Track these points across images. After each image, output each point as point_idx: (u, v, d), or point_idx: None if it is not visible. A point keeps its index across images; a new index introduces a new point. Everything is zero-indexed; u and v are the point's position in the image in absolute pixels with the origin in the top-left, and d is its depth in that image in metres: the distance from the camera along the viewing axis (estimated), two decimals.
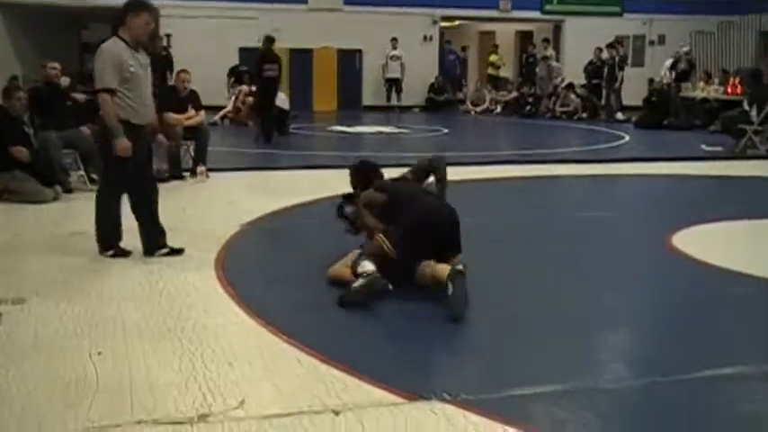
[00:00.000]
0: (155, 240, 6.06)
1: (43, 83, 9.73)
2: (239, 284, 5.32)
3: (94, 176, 9.03)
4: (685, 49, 20.47)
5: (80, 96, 9.91)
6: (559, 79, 21.29)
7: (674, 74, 19.62)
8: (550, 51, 22.18)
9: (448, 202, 5.60)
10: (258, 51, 14.33)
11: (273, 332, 4.39)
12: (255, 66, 14.14)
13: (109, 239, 6.03)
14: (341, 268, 5.33)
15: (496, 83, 23.30)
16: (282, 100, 15.10)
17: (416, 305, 4.96)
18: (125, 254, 6.00)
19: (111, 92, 5.66)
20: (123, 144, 5.67)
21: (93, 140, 8.94)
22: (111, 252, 5.98)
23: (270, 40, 14.21)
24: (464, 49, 24.79)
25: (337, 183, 6.91)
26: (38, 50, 18.42)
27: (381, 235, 5.27)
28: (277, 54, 14.29)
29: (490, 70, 23.81)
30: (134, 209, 6.08)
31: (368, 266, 5.06)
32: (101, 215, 6.03)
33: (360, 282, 4.96)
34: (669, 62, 20.24)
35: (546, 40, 22.70)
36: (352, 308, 4.84)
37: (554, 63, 21.65)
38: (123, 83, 5.69)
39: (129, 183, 5.95)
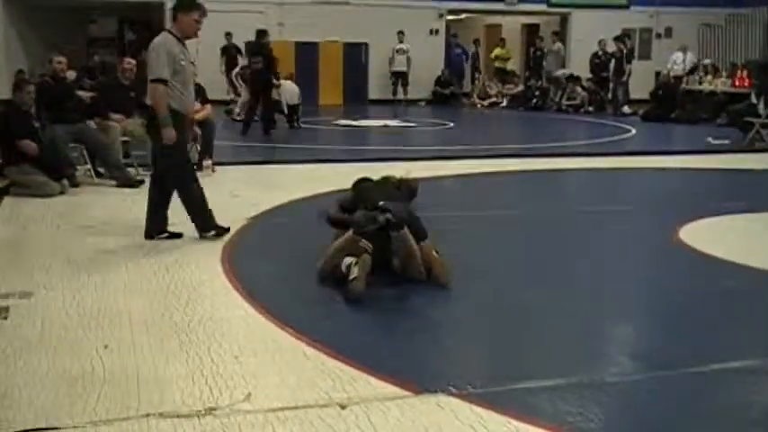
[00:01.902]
0: (162, 224, 6.37)
1: (50, 77, 9.73)
2: (246, 278, 5.33)
3: (101, 170, 9.06)
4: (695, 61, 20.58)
5: (86, 95, 9.88)
6: (561, 72, 21.30)
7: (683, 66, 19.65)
8: (558, 45, 22.17)
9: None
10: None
11: (280, 326, 4.40)
12: (247, 60, 14.27)
13: (160, 224, 6.31)
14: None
15: (504, 76, 23.24)
16: (290, 94, 15.12)
17: (422, 300, 4.96)
18: (176, 235, 6.30)
19: (164, 82, 5.97)
20: (170, 133, 5.98)
21: (99, 135, 8.98)
22: (165, 234, 6.28)
23: (259, 34, 14.28)
24: (476, 41, 24.66)
25: (343, 176, 6.90)
26: (44, 45, 18.44)
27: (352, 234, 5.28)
28: (265, 47, 14.31)
29: (497, 63, 23.73)
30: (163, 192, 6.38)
31: (348, 259, 5.08)
32: (154, 201, 6.30)
33: (354, 271, 4.94)
34: (678, 55, 20.18)
35: (555, 33, 22.67)
36: (359, 298, 4.83)
37: (557, 50, 21.72)
38: (174, 75, 6.01)
39: (178, 168, 6.26)
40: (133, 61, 9.78)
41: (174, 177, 6.27)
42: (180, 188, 6.28)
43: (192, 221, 6.35)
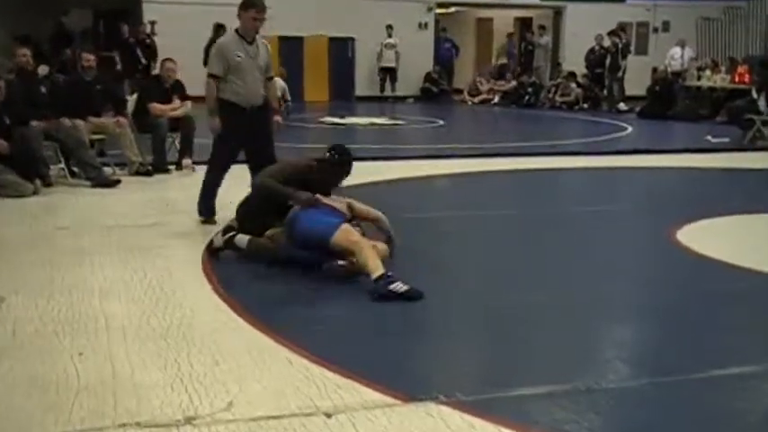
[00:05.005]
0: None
1: (16, 71, 9.60)
2: (227, 281, 5.32)
3: (75, 170, 9.01)
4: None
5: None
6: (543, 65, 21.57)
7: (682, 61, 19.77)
8: (545, 39, 22.23)
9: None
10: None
11: (263, 331, 4.39)
12: (204, 56, 14.15)
13: (207, 209, 6.97)
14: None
15: (499, 72, 23.20)
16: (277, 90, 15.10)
17: (410, 304, 4.96)
18: (211, 222, 6.87)
19: (214, 77, 6.69)
20: (213, 123, 6.74)
21: (73, 132, 8.90)
22: (202, 219, 6.95)
23: (217, 28, 14.23)
24: (510, 36, 24.39)
25: None
26: (12, 38, 18.29)
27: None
28: None
29: (502, 59, 23.64)
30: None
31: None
32: (203, 186, 7.00)
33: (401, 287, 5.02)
34: (675, 50, 20.27)
35: (542, 27, 22.69)
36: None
37: (544, 45, 21.87)
38: (230, 71, 6.67)
39: (230, 158, 6.94)
40: (92, 57, 9.64)
41: (211, 157, 7.04)
42: (209, 169, 7.04)
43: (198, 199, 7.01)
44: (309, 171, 5.90)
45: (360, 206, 5.91)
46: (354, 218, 5.73)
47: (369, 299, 4.96)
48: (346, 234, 5.29)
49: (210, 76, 6.75)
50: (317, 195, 5.66)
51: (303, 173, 5.88)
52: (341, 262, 5.43)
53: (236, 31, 6.86)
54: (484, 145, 13.23)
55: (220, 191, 6.98)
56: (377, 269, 5.05)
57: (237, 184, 6.62)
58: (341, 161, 5.90)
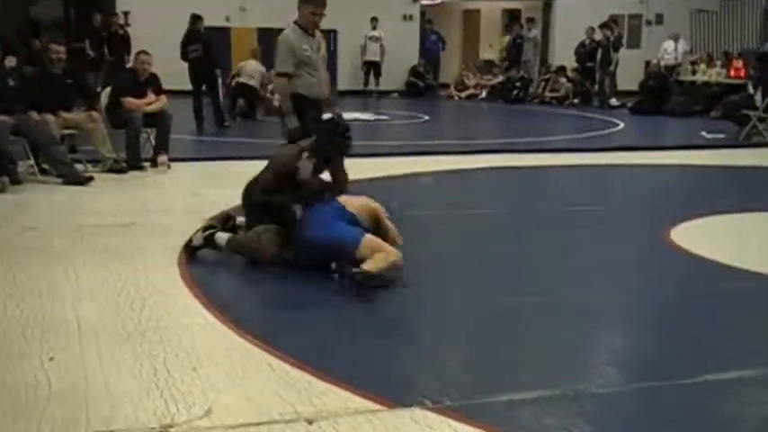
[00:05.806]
0: None
1: None
2: (205, 283, 5.31)
3: (45, 167, 8.96)
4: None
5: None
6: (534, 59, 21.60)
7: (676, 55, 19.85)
8: (534, 32, 22.26)
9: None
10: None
11: (242, 335, 4.38)
12: (181, 49, 14.21)
13: None
14: None
15: (492, 66, 23.19)
16: (252, 75, 15.17)
17: (395, 307, 4.97)
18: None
19: (286, 75, 6.78)
20: (293, 123, 6.74)
21: (43, 127, 8.84)
22: None
23: (194, 19, 14.28)
24: (509, 28, 24.17)
25: None
26: None
27: None
28: (202, 33, 14.33)
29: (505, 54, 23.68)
30: None
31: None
32: None
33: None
34: (669, 44, 20.34)
35: (530, 20, 22.72)
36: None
37: (533, 38, 21.92)
38: (300, 65, 6.80)
39: None
40: (62, 48, 9.57)
41: None
42: None
43: None
44: (299, 157, 5.88)
45: (386, 223, 5.83)
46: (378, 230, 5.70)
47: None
48: (371, 243, 5.36)
49: (282, 74, 6.84)
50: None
51: (294, 164, 5.89)
52: (355, 269, 5.21)
53: (297, 23, 6.98)
54: (471, 141, 13.27)
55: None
56: (373, 268, 5.10)
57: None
58: (336, 133, 5.91)
